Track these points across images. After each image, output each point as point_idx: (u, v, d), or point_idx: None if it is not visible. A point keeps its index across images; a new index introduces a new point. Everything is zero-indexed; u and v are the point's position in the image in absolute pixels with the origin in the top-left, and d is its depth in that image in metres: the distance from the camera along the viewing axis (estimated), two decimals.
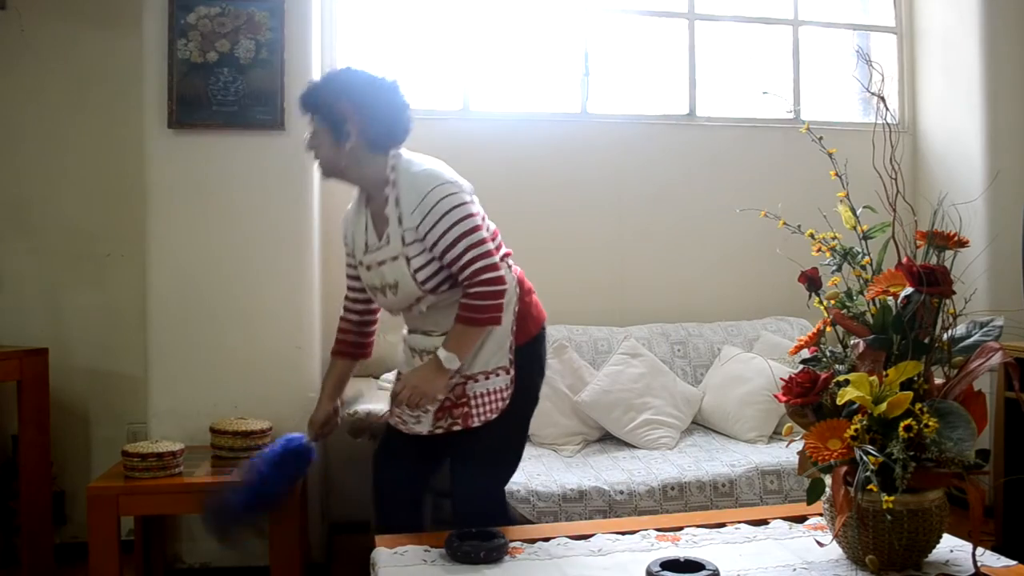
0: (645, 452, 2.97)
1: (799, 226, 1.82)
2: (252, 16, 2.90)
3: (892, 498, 1.47)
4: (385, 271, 2.05)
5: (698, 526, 1.95)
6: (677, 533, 1.91)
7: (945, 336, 1.66)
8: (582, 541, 1.87)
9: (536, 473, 2.72)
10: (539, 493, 2.58)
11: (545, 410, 3.11)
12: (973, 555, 1.59)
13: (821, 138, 1.81)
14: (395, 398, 2.09)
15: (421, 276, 2.00)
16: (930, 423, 1.52)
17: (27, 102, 3.20)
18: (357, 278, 2.22)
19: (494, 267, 1.97)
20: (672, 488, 2.67)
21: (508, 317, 2.07)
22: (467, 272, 1.96)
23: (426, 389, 2.00)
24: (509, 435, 2.16)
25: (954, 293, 1.63)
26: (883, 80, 3.75)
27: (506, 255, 2.11)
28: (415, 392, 1.99)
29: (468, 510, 2.10)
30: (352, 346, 2.29)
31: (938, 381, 1.66)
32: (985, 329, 1.68)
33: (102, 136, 3.24)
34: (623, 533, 1.91)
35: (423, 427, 2.09)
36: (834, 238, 1.79)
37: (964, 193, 3.46)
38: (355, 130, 2.00)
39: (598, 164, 3.67)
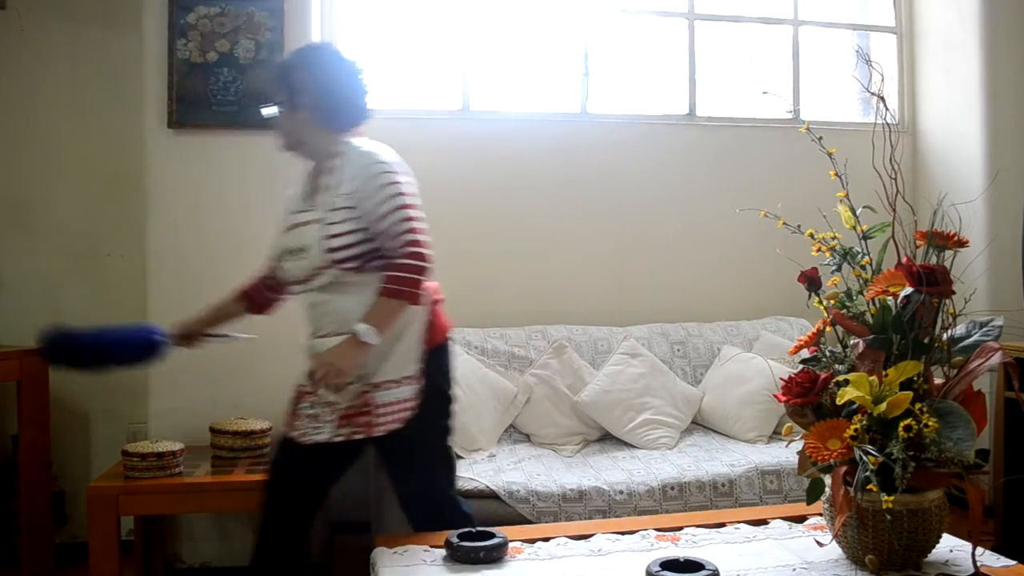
0: (645, 452, 2.97)
1: (799, 226, 1.82)
2: (252, 16, 2.91)
3: (892, 498, 1.47)
4: (301, 232, 2.03)
5: (698, 526, 1.95)
6: (677, 533, 1.91)
7: (945, 336, 1.66)
8: (582, 541, 1.87)
9: (536, 473, 2.72)
10: (539, 493, 2.58)
11: (545, 410, 3.12)
12: (973, 555, 1.59)
13: (821, 138, 1.81)
14: (311, 377, 1.97)
15: (334, 243, 1.95)
16: (930, 423, 1.52)
17: (27, 102, 3.20)
18: None
19: (425, 244, 1.96)
20: (672, 488, 2.67)
21: (419, 326, 2.04)
22: (398, 241, 1.93)
23: (342, 365, 1.88)
24: (418, 446, 2.09)
25: (954, 293, 1.63)
26: (883, 80, 3.75)
27: None
28: (331, 369, 1.89)
29: (417, 519, 2.12)
30: (256, 292, 2.27)
31: (938, 381, 1.66)
32: (985, 329, 1.68)
33: (102, 136, 3.24)
34: (623, 533, 1.91)
35: (323, 435, 1.99)
36: (834, 238, 1.78)
37: (964, 193, 3.46)
38: (308, 101, 2.03)
39: (598, 164, 3.67)
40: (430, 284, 2.05)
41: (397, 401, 2.00)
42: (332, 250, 1.96)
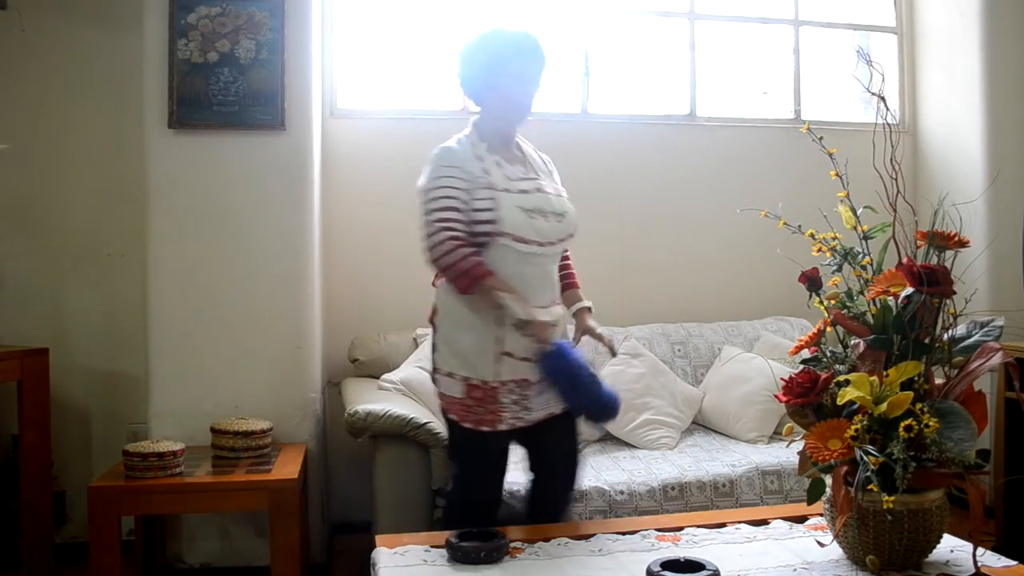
0: (645, 452, 2.97)
1: (799, 226, 1.82)
2: (252, 16, 2.90)
3: (892, 498, 1.47)
4: (558, 201, 2.21)
5: (698, 526, 1.95)
6: (677, 533, 1.91)
7: (945, 336, 1.66)
8: (582, 541, 1.87)
9: None
10: None
11: None
12: (973, 555, 1.59)
13: (821, 138, 1.81)
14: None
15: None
16: (930, 423, 1.52)
17: (27, 102, 3.20)
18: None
19: None
20: (672, 488, 2.67)
21: None
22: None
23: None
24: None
25: (954, 293, 1.63)
26: (883, 80, 3.73)
27: None
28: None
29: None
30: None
31: (938, 381, 1.66)
32: (985, 329, 1.68)
33: (102, 136, 3.24)
34: (623, 533, 1.91)
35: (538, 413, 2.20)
36: (834, 238, 1.78)
37: (964, 193, 3.45)
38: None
39: (598, 164, 3.66)
40: None
41: None
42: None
